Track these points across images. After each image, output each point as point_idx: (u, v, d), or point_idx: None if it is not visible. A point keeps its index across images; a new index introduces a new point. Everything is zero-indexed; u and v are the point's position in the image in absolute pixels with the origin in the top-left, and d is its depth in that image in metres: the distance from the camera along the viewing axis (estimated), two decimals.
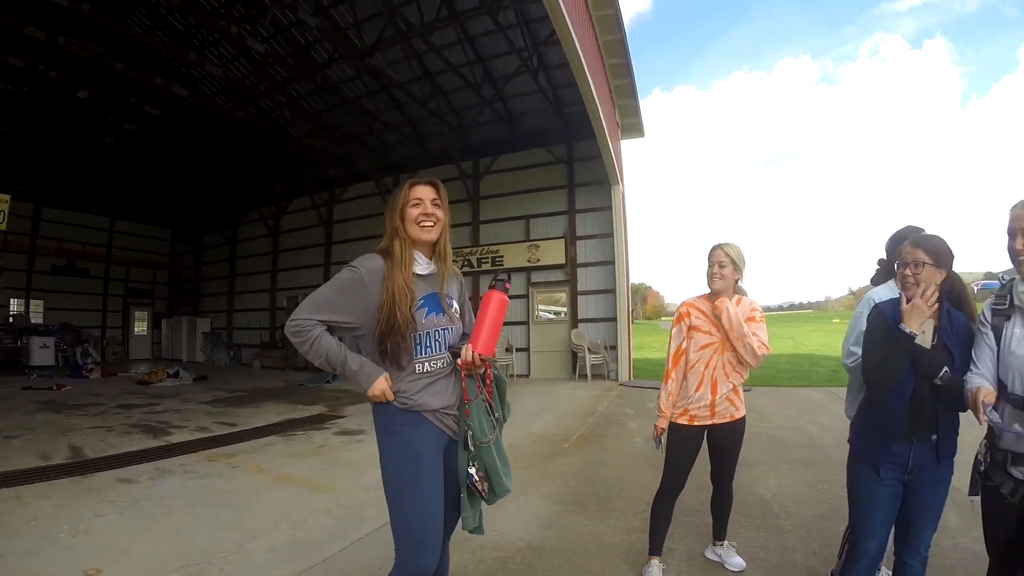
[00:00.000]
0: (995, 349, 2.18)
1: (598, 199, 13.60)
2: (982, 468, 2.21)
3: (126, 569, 3.28)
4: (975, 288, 2.53)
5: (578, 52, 7.67)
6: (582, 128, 11.48)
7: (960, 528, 3.66)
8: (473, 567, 3.36)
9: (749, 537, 3.81)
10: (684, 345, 3.19)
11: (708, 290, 3.21)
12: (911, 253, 2.32)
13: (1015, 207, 2.09)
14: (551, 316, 14.69)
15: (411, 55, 12.31)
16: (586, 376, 12.70)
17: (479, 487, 2.18)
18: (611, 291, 13.47)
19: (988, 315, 2.23)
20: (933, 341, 2.27)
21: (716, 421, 3.14)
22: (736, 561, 3.37)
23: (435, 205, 2.22)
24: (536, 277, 14.31)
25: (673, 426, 3.19)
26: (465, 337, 2.29)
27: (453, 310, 2.30)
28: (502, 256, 14.25)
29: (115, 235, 20.59)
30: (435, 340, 2.20)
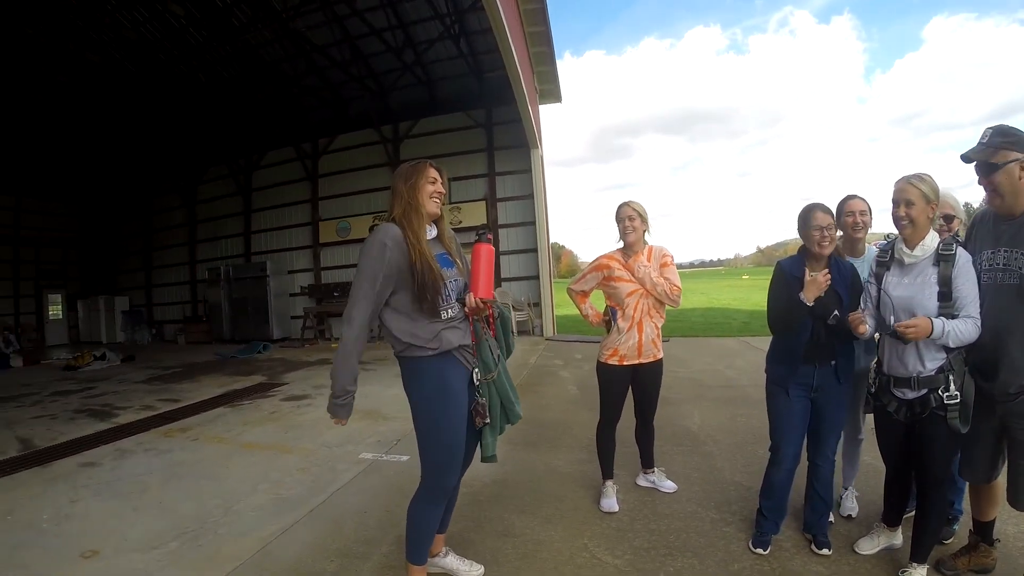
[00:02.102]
0: (876, 294, 2.72)
1: (517, 162, 13.89)
2: (872, 390, 2.79)
3: (122, 547, 3.32)
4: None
5: (502, 20, 7.89)
6: (501, 93, 11.73)
7: (863, 448, 4.11)
8: None
9: (683, 462, 4.42)
10: (589, 288, 3.75)
11: (622, 244, 3.61)
12: (824, 218, 2.86)
13: (898, 181, 2.59)
14: None
15: (332, 19, 12.17)
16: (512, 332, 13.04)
17: (478, 417, 2.59)
18: (532, 251, 13.93)
19: (873, 266, 2.79)
20: (824, 288, 2.81)
21: (642, 361, 3.57)
22: (668, 484, 3.90)
23: (442, 185, 2.60)
24: (459, 239, 14.41)
25: (604, 366, 3.63)
26: (465, 287, 2.61)
27: (460, 263, 2.69)
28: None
29: (22, 214, 19.07)
30: (450, 290, 2.54)
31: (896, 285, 2.64)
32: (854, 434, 3.47)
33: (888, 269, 2.70)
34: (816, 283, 2.79)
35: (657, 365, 3.65)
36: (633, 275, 3.52)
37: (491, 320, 2.69)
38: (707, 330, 13.54)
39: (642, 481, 3.97)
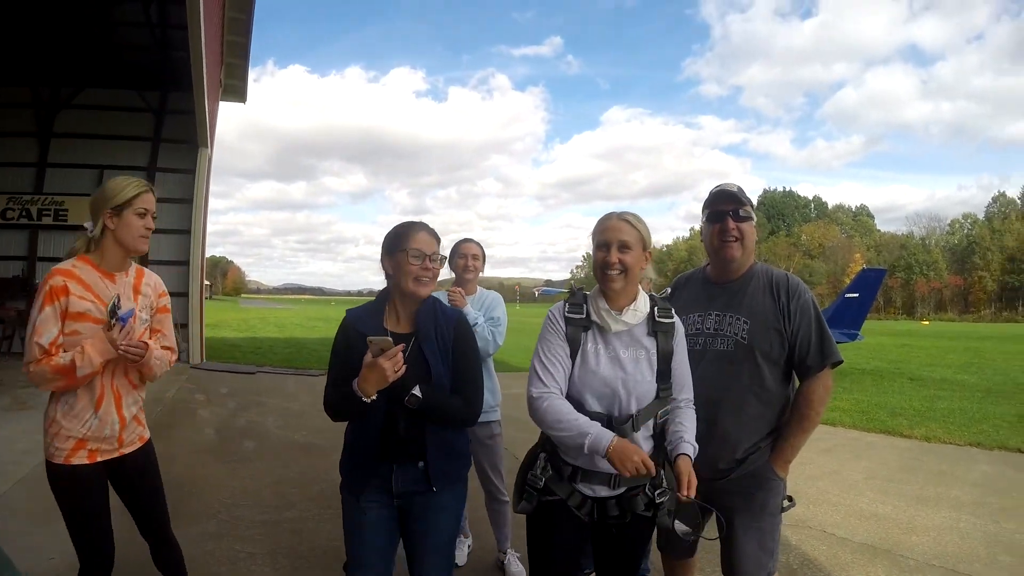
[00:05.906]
0: (564, 362, 1.92)
1: (182, 160, 12.13)
2: (540, 484, 1.93)
3: None
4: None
5: None
6: (183, 77, 9.95)
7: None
8: None
9: None
10: (60, 339, 1.98)
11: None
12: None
13: (607, 218, 1.96)
14: None
15: None
16: None
17: None
18: (184, 263, 11.97)
19: (561, 322, 1.97)
20: (405, 354, 1.82)
21: (125, 451, 2.17)
22: None
23: None
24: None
25: (62, 470, 2.03)
26: None
27: None
28: (67, 209, 11.52)
29: None
30: None
31: (605, 360, 1.90)
32: (497, 495, 3.17)
33: (586, 330, 1.94)
34: (378, 371, 1.75)
35: (147, 451, 2.29)
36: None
37: None
38: None
39: None
